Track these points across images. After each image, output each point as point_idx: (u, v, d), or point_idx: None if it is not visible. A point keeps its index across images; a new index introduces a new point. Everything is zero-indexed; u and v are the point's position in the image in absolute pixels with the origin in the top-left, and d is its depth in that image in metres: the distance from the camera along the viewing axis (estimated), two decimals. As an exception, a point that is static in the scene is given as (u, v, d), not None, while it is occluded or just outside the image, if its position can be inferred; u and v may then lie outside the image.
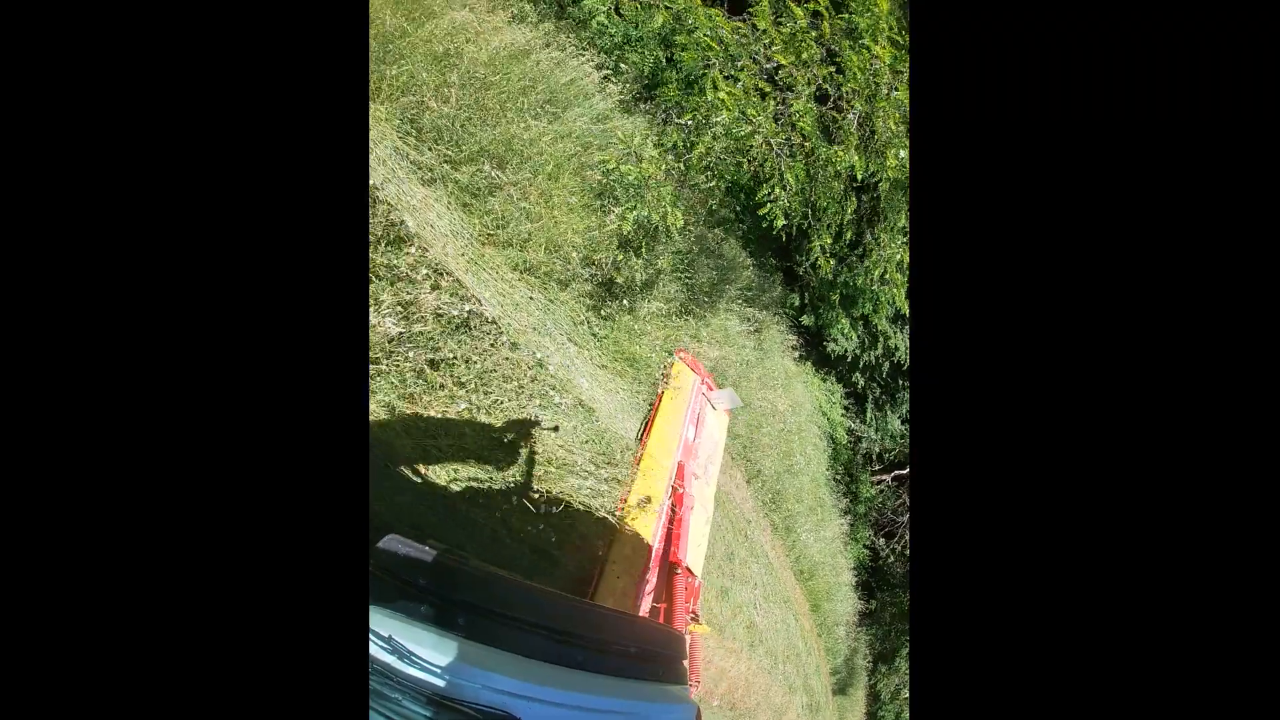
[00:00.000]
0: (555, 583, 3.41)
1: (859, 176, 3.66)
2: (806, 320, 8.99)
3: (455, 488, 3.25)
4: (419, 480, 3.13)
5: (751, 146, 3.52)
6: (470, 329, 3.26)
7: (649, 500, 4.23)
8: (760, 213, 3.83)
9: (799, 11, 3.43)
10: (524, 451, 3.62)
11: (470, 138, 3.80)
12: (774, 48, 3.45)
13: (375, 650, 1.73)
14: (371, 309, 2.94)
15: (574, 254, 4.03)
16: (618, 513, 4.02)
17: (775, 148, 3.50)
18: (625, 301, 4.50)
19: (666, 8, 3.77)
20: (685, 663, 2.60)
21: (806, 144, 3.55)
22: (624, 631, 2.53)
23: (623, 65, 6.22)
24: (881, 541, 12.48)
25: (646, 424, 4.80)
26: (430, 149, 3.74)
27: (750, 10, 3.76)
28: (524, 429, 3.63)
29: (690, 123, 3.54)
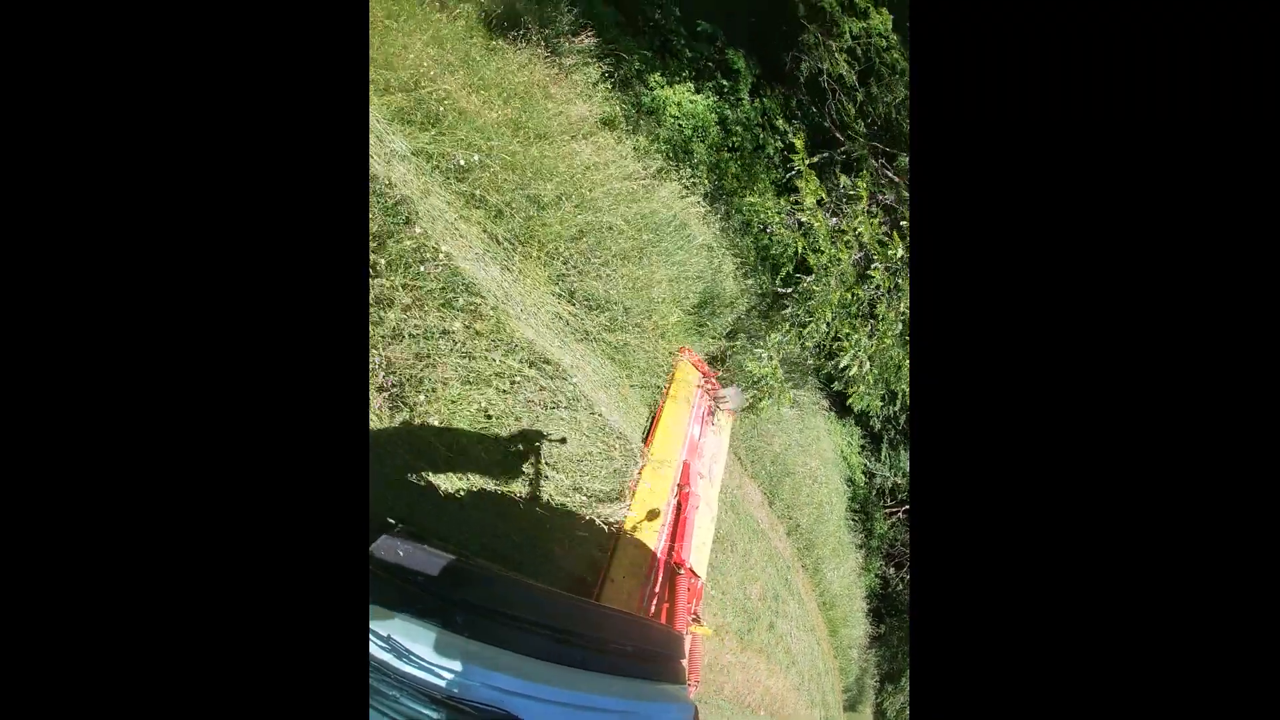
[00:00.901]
0: (558, 583, 3.49)
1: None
2: (836, 386, 10.36)
3: (461, 490, 3.35)
4: (423, 483, 3.23)
5: (852, 373, 4.88)
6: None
7: (655, 500, 4.23)
8: (848, 401, 5.21)
9: (898, 240, 4.67)
10: (531, 455, 3.72)
11: (616, 304, 5.07)
12: (875, 267, 4.72)
13: (374, 649, 1.74)
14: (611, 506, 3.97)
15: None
16: (623, 513, 4.09)
17: (869, 363, 4.84)
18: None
19: (803, 235, 5.06)
20: (684, 662, 2.64)
21: (888, 350, 4.89)
22: (623, 631, 2.54)
23: (701, 180, 7.49)
24: (891, 571, 13.67)
25: (652, 424, 4.83)
26: (588, 316, 4.95)
27: (847, 200, 4.96)
28: (532, 436, 3.74)
29: (807, 333, 4.91)
